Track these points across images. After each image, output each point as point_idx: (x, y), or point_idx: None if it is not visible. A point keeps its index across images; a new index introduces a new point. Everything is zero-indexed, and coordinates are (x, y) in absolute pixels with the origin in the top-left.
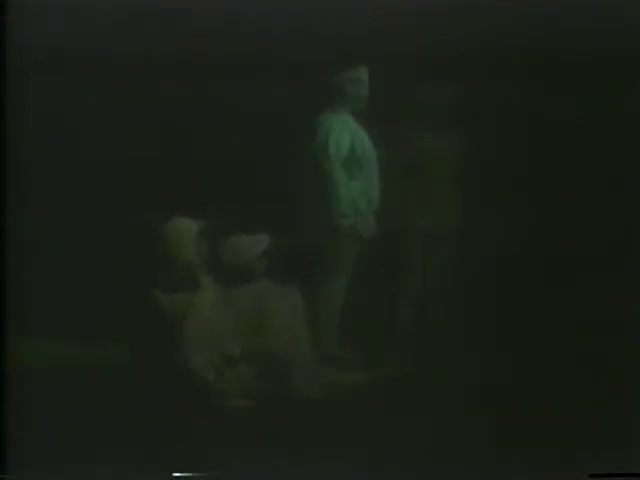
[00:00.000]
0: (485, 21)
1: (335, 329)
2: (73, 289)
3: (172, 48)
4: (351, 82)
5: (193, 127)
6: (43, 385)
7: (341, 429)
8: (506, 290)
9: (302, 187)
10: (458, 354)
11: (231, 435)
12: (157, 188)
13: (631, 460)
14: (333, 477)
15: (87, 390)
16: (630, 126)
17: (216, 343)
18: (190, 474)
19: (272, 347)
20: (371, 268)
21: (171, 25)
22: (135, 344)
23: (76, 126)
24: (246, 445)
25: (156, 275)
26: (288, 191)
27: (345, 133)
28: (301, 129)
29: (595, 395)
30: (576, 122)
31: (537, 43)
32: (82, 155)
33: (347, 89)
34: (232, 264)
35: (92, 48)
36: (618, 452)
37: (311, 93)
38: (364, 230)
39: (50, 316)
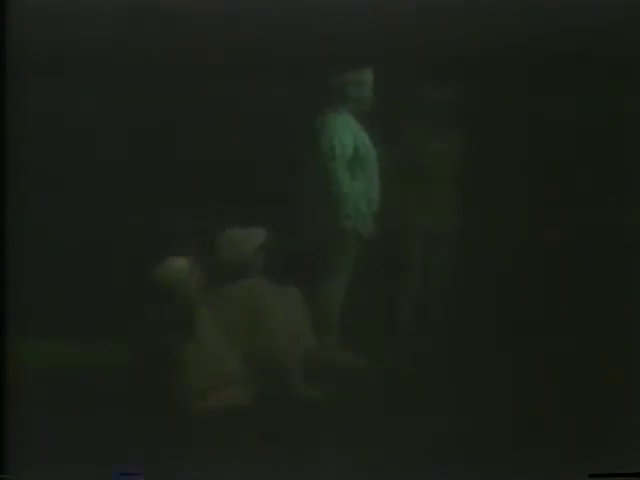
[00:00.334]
0: (486, 21)
1: (335, 329)
2: (73, 289)
3: (174, 48)
4: (354, 83)
5: (194, 127)
6: (43, 385)
7: (341, 429)
8: (506, 290)
9: (305, 187)
10: (458, 354)
11: (231, 435)
12: (158, 188)
13: (631, 460)
14: (333, 477)
15: (87, 390)
16: (630, 126)
17: (215, 342)
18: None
19: (270, 347)
20: (371, 268)
21: (172, 25)
22: (135, 344)
23: (76, 126)
24: (246, 445)
25: (156, 275)
26: (290, 191)
27: (348, 134)
28: (303, 130)
29: (595, 395)
30: (576, 122)
31: (537, 43)
32: (82, 155)
33: (349, 90)
34: (230, 260)
35: (92, 48)
36: (618, 452)
37: (313, 94)
38: (364, 231)
39: (50, 316)
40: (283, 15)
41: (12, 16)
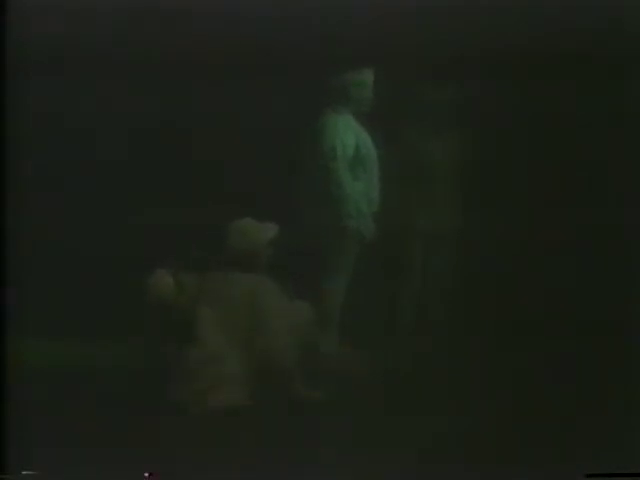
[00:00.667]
0: (486, 21)
1: (335, 328)
2: (73, 289)
3: (174, 48)
4: (354, 84)
5: (194, 128)
6: (43, 385)
7: (341, 429)
8: (506, 290)
9: (306, 187)
10: (457, 354)
11: (230, 435)
12: (159, 188)
13: (627, 460)
14: (333, 477)
15: (87, 390)
16: (630, 126)
17: (216, 343)
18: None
19: (270, 346)
20: (372, 268)
21: (172, 25)
22: (135, 344)
23: (76, 126)
24: (246, 445)
25: (156, 275)
26: (292, 191)
27: (349, 134)
28: (305, 130)
29: (592, 395)
30: (576, 122)
31: (537, 43)
32: (82, 155)
33: (350, 91)
34: (231, 259)
35: (92, 48)
36: (614, 452)
37: (314, 94)
38: (366, 230)
39: (50, 316)
40: (283, 15)
41: (12, 16)
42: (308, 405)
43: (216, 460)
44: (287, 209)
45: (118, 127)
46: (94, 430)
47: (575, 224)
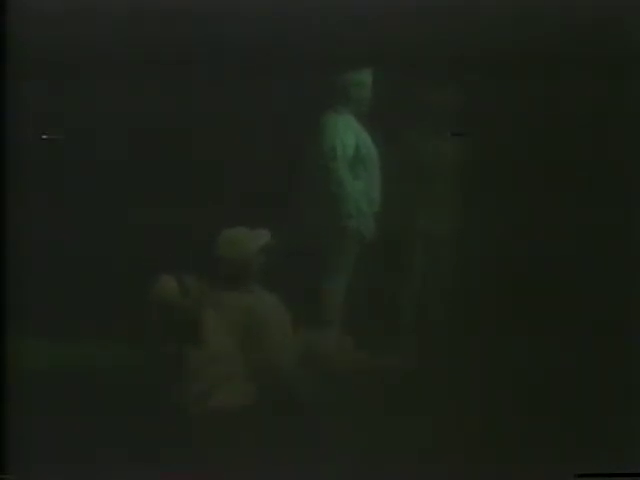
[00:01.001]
0: (486, 21)
1: (336, 326)
2: (73, 290)
3: (174, 48)
4: (355, 84)
5: (195, 128)
6: (43, 385)
7: (342, 429)
8: (506, 290)
9: (307, 187)
10: (457, 354)
11: (231, 436)
12: (159, 189)
13: (618, 460)
14: (333, 477)
15: (87, 390)
16: (631, 126)
17: (217, 344)
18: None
19: (271, 346)
20: (372, 267)
21: (172, 25)
22: (134, 345)
23: (76, 126)
24: (247, 446)
25: (156, 275)
26: (292, 191)
27: (349, 134)
28: (305, 130)
29: (586, 395)
30: (576, 122)
31: (537, 43)
32: (82, 155)
33: (351, 91)
34: (232, 259)
35: (92, 48)
36: (605, 452)
37: (314, 95)
38: (366, 230)
39: (50, 316)
40: (283, 15)
41: (12, 16)
42: (308, 405)
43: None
44: (287, 209)
45: (118, 127)
46: (94, 430)
47: (575, 224)
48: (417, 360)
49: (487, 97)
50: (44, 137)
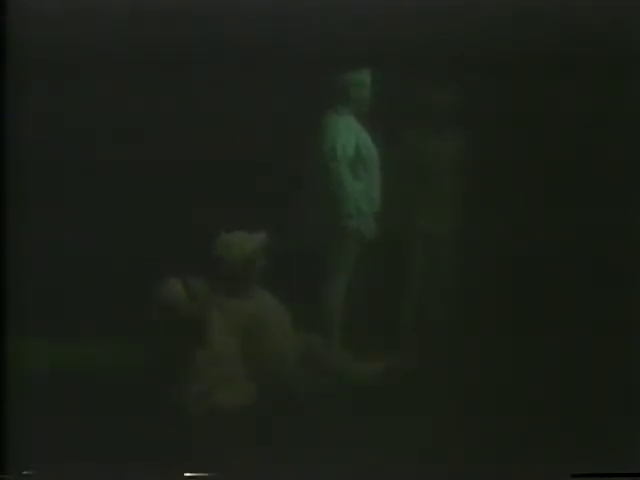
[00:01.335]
0: (486, 21)
1: (336, 327)
2: (73, 289)
3: (174, 48)
4: (355, 84)
5: (195, 128)
6: (43, 385)
7: (343, 429)
8: (507, 290)
9: (307, 187)
10: (457, 354)
11: (231, 436)
12: (159, 189)
13: (614, 460)
14: (333, 478)
15: (87, 390)
16: (631, 126)
17: (216, 344)
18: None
19: (271, 347)
20: (373, 267)
21: (172, 25)
22: (135, 345)
23: (76, 126)
24: (247, 446)
25: (156, 275)
26: (292, 191)
27: (349, 134)
28: (305, 130)
29: (581, 395)
30: (576, 122)
31: (537, 43)
32: (82, 155)
33: (351, 91)
34: (232, 260)
35: (92, 48)
36: (601, 452)
37: (315, 95)
38: (366, 230)
39: (50, 316)
40: (283, 15)
41: (12, 16)
42: (308, 406)
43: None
44: (287, 209)
45: (118, 127)
46: (94, 430)
47: (575, 224)
48: (418, 360)
49: (487, 97)
50: (44, 137)
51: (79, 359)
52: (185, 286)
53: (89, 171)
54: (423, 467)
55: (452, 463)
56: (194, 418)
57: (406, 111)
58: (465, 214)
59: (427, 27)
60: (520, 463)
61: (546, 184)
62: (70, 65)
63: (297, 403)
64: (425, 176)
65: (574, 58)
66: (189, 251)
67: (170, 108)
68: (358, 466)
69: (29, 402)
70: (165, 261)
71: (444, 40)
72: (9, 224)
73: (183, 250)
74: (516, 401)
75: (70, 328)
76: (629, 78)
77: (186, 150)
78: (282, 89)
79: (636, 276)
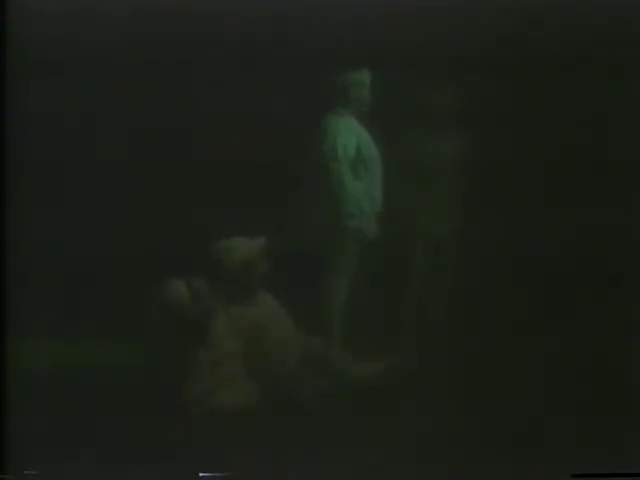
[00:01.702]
0: (486, 21)
1: (337, 327)
2: (73, 289)
3: (174, 48)
4: (355, 84)
5: (195, 129)
6: (43, 385)
7: (343, 429)
8: (507, 290)
9: (308, 188)
10: (457, 354)
11: (231, 437)
12: (159, 189)
13: (614, 460)
14: (334, 478)
15: (87, 390)
16: (631, 126)
17: (217, 344)
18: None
19: (272, 347)
20: (374, 267)
21: (172, 25)
22: (135, 345)
23: (76, 126)
24: (248, 447)
25: (156, 275)
26: (293, 192)
27: (350, 134)
28: (306, 131)
29: (579, 395)
30: (577, 122)
31: (537, 43)
32: (82, 155)
33: (351, 91)
34: (232, 261)
35: (92, 48)
36: (601, 452)
37: (315, 95)
38: (367, 230)
39: (50, 316)
40: (283, 15)
41: (12, 16)
42: (306, 405)
43: (219, 461)
44: (288, 209)
45: (118, 127)
46: (94, 430)
47: (576, 224)
48: (418, 360)
49: (488, 97)
50: (44, 137)
51: (79, 359)
52: (189, 287)
53: (89, 172)
54: (423, 467)
55: (452, 463)
56: (194, 418)
57: (407, 111)
58: (466, 214)
59: (427, 27)
60: (520, 463)
61: (547, 184)
62: (70, 65)
63: (297, 403)
64: (426, 176)
65: (574, 58)
66: (189, 251)
67: (170, 108)
68: (358, 466)
69: (29, 402)
70: (165, 261)
71: (444, 40)
72: (9, 224)
73: (183, 250)
74: (516, 401)
75: (70, 328)
76: (629, 78)
77: (186, 150)
78: (282, 89)
79: (636, 276)
